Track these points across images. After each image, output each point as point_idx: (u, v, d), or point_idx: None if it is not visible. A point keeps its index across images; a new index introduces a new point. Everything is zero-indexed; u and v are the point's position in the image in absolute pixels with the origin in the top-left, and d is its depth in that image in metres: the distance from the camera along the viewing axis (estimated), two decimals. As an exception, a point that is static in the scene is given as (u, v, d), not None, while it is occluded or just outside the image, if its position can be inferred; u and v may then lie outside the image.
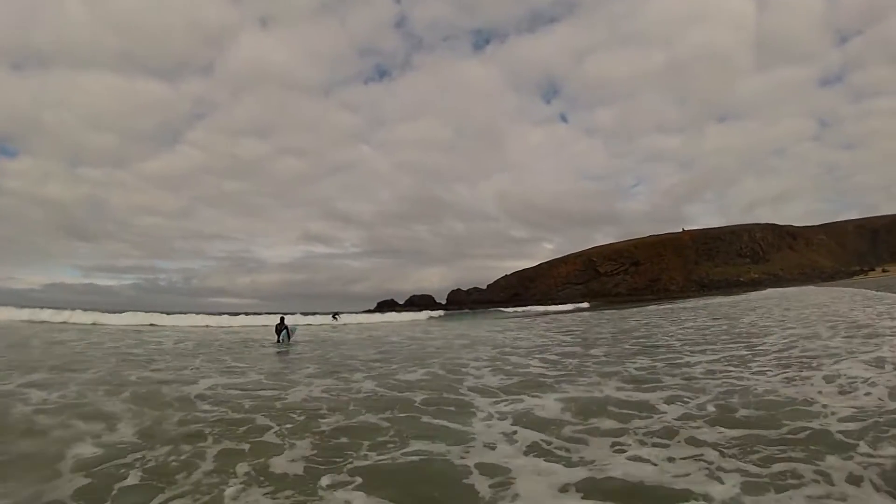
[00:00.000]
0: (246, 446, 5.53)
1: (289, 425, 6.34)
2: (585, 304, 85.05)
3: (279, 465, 4.94)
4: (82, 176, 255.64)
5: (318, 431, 6.04)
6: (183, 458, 5.13)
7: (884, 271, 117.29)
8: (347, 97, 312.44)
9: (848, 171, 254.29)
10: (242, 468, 4.82)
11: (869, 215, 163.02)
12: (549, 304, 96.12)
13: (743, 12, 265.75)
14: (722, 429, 5.53)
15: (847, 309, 21.01)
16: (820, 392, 6.85)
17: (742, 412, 6.17)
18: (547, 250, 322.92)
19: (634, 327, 21.79)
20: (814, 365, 8.79)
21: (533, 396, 7.66)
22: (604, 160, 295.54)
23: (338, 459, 5.04)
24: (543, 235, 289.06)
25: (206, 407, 7.45)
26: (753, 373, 8.62)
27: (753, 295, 58.66)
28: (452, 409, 7.12)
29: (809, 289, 61.24)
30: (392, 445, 5.45)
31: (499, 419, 6.44)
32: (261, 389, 8.85)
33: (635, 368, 9.94)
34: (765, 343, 12.43)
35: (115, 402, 7.68)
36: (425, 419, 6.57)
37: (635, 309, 43.36)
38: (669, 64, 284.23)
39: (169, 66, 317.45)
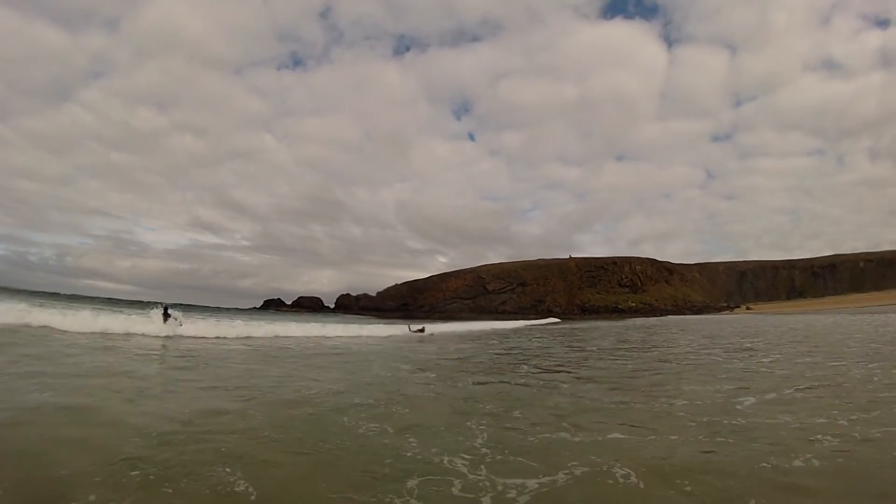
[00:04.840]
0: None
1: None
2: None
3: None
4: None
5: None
6: None
7: (747, 308, 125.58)
8: (258, 81, 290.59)
9: (726, 218, 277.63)
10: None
11: (739, 259, 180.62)
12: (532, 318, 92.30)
13: (654, 64, 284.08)
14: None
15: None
16: None
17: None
18: (440, 263, 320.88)
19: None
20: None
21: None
22: (505, 182, 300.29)
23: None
24: (438, 248, 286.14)
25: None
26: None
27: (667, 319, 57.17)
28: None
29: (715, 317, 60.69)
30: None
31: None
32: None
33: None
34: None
35: None
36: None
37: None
38: (579, 99, 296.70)
39: (72, 13, 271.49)
